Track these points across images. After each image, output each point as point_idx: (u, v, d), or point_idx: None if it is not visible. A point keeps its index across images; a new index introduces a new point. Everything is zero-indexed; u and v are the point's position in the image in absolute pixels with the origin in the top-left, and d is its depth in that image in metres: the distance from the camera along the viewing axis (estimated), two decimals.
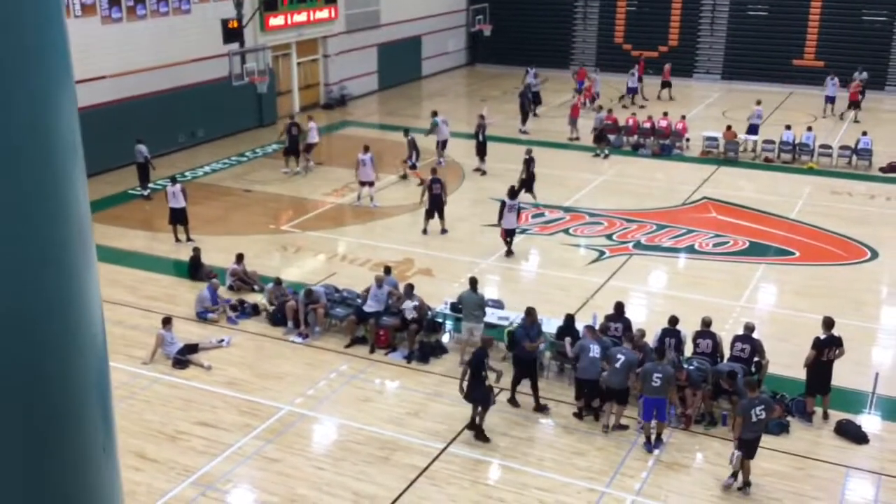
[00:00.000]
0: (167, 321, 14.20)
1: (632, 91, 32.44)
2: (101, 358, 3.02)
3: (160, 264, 18.11)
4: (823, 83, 29.90)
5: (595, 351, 12.26)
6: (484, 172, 24.13)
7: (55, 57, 2.67)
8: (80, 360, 2.82)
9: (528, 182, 21.44)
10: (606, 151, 26.20)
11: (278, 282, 15.81)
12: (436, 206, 19.40)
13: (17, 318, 2.54)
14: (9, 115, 2.48)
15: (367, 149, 21.66)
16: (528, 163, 21.55)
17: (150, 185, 22.33)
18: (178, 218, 19.24)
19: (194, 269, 17.22)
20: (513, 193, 18.62)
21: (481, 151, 24.48)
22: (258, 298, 16.08)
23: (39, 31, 2.57)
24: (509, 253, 18.59)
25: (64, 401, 2.77)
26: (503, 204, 18.38)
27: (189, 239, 19.16)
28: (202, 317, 15.45)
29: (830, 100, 29.93)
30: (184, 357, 13.96)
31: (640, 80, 32.87)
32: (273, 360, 14.29)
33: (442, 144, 25.00)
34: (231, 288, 16.62)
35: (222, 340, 14.58)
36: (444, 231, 19.49)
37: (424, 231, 19.53)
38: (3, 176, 2.49)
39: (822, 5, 35.93)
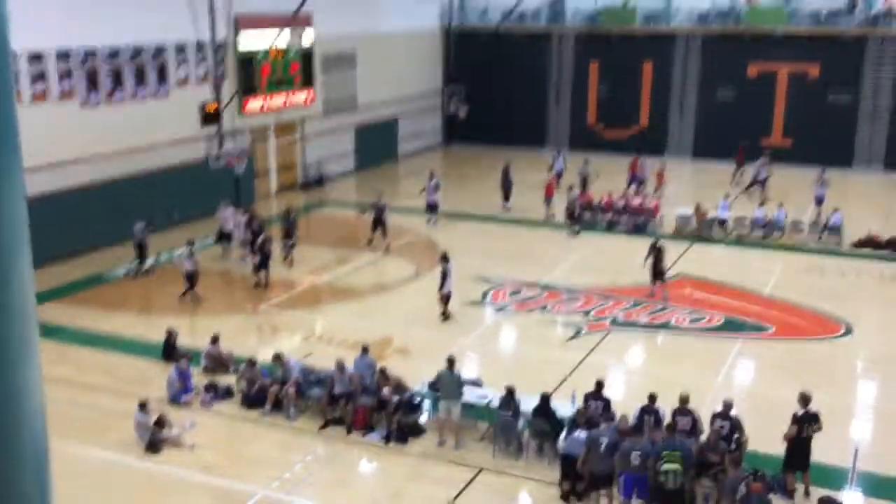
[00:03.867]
0: (143, 405, 13.96)
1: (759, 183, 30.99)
2: (41, 466, 2.87)
3: (135, 346, 17.89)
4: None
5: (582, 435, 12.17)
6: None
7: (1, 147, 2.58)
8: (19, 467, 2.65)
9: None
10: (577, 228, 26.53)
11: (251, 363, 15.66)
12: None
13: None
14: None
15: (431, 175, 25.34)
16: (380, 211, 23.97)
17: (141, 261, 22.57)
18: (193, 281, 20.37)
19: (169, 351, 17.02)
20: (445, 258, 19.31)
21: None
22: (232, 380, 15.88)
23: None
24: (446, 317, 19.10)
25: None
26: (444, 270, 19.03)
27: (195, 298, 20.44)
28: (175, 400, 15.21)
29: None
30: (158, 438, 13.69)
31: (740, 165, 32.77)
32: (247, 444, 14.04)
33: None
34: (206, 370, 16.42)
35: (186, 426, 14.24)
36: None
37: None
38: None
39: (787, 87, 37.00)
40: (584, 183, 30.50)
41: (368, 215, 25.05)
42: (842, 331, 19.04)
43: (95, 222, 23.90)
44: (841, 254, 24.71)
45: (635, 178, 31.19)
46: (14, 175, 2.52)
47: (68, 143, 23.28)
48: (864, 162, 36.07)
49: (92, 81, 24.06)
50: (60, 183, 23.12)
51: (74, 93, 23.60)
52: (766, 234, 26.07)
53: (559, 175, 31.73)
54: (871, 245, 25.09)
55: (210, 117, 25.39)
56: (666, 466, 11.35)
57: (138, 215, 23.25)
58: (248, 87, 29.46)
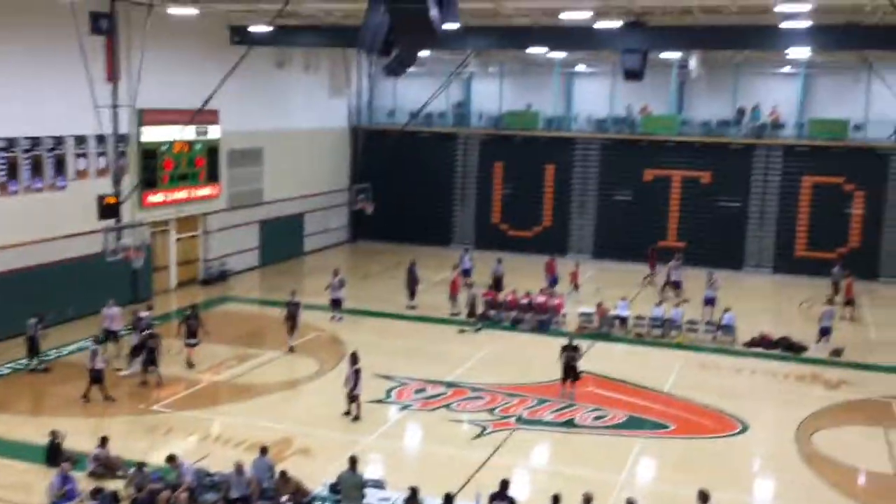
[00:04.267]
0: None
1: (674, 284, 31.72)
2: None
3: (18, 449, 16.81)
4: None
5: None
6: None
7: None
8: None
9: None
10: (479, 325, 26.63)
11: (140, 466, 14.89)
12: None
13: None
14: None
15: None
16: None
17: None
18: (98, 378, 19.59)
19: (53, 455, 16.04)
20: (355, 358, 19.12)
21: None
22: (120, 485, 15.02)
23: None
24: (355, 419, 18.76)
25: None
26: (354, 369, 18.87)
27: (106, 397, 19.66)
28: None
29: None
30: None
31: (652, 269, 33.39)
32: None
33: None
34: (93, 474, 15.51)
35: None
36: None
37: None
38: None
39: (680, 192, 38.65)
40: (498, 283, 30.76)
41: (281, 312, 24.41)
42: (738, 428, 19.43)
43: None
44: (735, 352, 25.45)
45: (552, 278, 31.58)
46: None
47: None
48: (753, 264, 37.67)
49: None
50: None
51: None
52: (664, 333, 26.71)
53: (466, 272, 32.00)
54: (763, 344, 25.96)
55: (109, 210, 24.79)
56: None
57: (32, 309, 22.28)
58: (150, 180, 28.98)
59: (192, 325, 22.41)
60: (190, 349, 22.27)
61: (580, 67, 41.48)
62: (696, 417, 20.11)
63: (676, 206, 38.76)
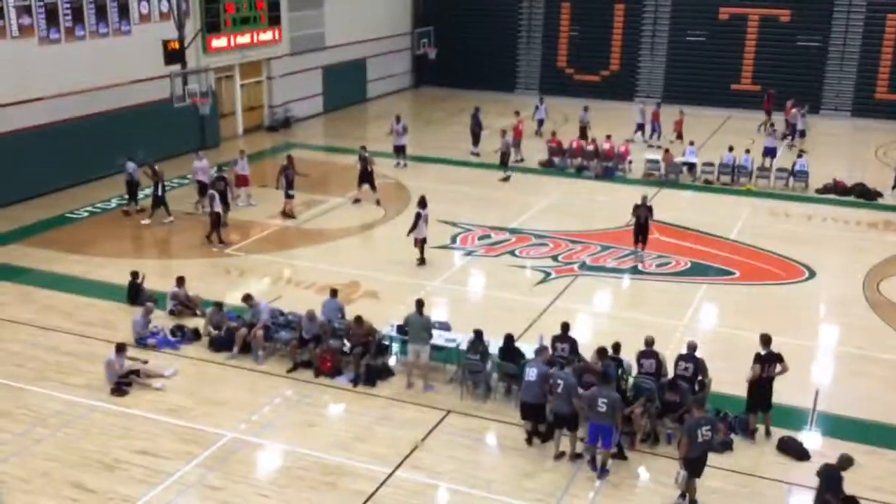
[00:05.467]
0: (121, 348, 13.83)
1: (799, 133, 31.21)
2: None
3: (99, 289, 17.67)
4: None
5: (531, 374, 12.25)
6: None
7: None
8: None
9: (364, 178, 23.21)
10: (508, 173, 26.29)
11: (219, 306, 15.55)
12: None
13: None
14: None
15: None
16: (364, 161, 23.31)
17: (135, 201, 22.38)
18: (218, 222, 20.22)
19: (134, 294, 16.84)
20: (423, 203, 19.08)
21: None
22: (199, 323, 15.76)
23: None
24: (422, 262, 18.97)
25: None
26: (417, 214, 18.90)
27: (221, 241, 20.19)
28: (141, 343, 15.10)
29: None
30: (126, 381, 13.62)
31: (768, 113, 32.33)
32: (215, 386, 14.00)
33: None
34: (172, 313, 16.28)
35: (166, 373, 14.16)
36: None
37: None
38: None
39: (757, 32, 36.90)
40: (584, 131, 30.06)
41: (355, 167, 24.09)
42: (805, 275, 19.28)
43: (58, 162, 23.41)
44: (807, 199, 24.93)
45: (655, 128, 30.77)
46: None
47: (28, 81, 22.66)
48: (831, 108, 36.24)
49: (51, 17, 23.33)
50: (21, 123, 22.58)
51: (34, 29, 22.89)
52: (734, 179, 26.20)
53: (541, 123, 31.30)
54: (836, 191, 25.34)
55: (173, 55, 24.80)
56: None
57: (102, 155, 22.83)
58: (212, 25, 28.76)
59: (289, 176, 22.34)
60: (290, 201, 22.34)
61: None
62: (762, 264, 19.98)
63: (752, 47, 37.10)
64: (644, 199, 20.12)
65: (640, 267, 19.50)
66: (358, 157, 24.03)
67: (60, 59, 23.58)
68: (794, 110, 31.91)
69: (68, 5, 23.78)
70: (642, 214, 19.85)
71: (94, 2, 24.57)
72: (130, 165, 22.10)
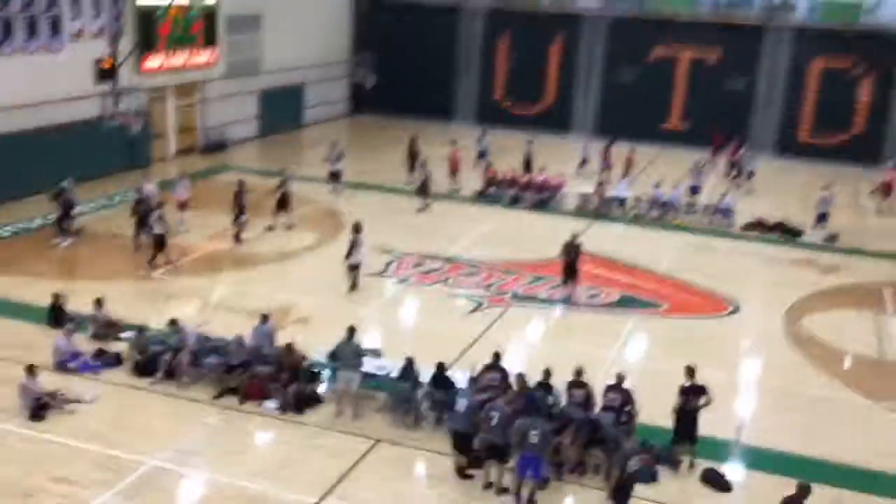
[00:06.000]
0: (31, 369, 13.35)
1: (748, 173, 31.46)
2: None
3: (20, 310, 17.09)
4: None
5: (461, 404, 12.24)
6: None
7: None
8: None
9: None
10: (427, 202, 26.23)
11: (141, 330, 15.20)
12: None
13: None
14: None
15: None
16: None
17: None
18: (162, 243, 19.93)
19: (55, 316, 16.34)
20: (357, 229, 19.18)
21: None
22: (122, 347, 15.36)
23: None
24: (354, 287, 19.00)
25: None
26: (352, 240, 18.98)
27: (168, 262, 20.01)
28: (62, 367, 14.64)
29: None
30: (43, 404, 13.15)
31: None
32: (137, 412, 13.63)
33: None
34: (95, 336, 15.84)
35: (84, 398, 13.71)
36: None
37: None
38: None
39: (687, 72, 38.00)
40: (528, 163, 30.14)
41: (275, 192, 23.54)
42: (729, 309, 19.76)
43: None
44: (732, 235, 25.61)
45: (606, 163, 30.83)
46: None
47: None
48: (756, 146, 37.40)
49: None
50: None
51: None
52: (662, 215, 26.79)
53: (483, 154, 31.12)
54: (760, 228, 26.10)
55: (106, 73, 24.36)
56: None
57: (30, 173, 22.22)
58: (146, 44, 28.37)
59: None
60: (241, 225, 22.03)
61: None
62: (688, 297, 20.42)
63: (682, 87, 38.17)
64: (573, 237, 20.05)
65: (568, 291, 19.61)
66: (278, 181, 23.64)
67: None
68: (740, 151, 32.74)
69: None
70: (571, 254, 19.65)
71: (27, 17, 24.00)
72: (67, 183, 21.50)
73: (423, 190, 26.35)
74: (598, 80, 39.41)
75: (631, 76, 38.67)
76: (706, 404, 12.75)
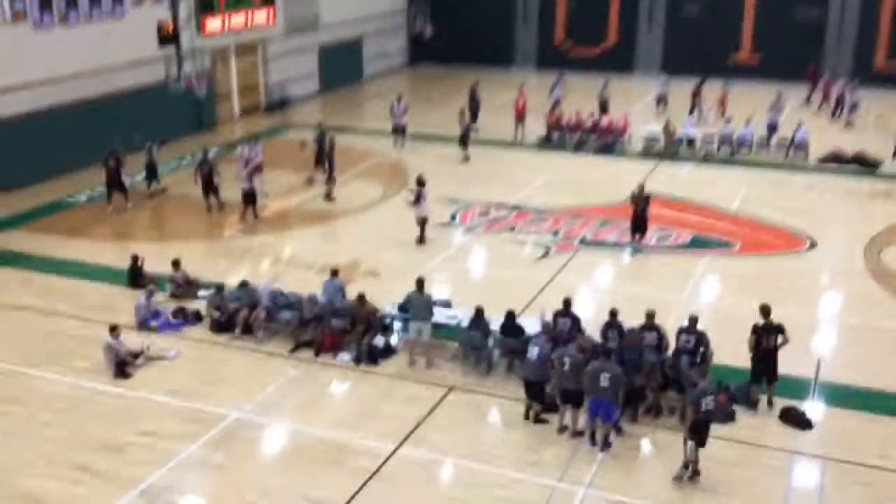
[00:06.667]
0: (114, 329, 13.82)
1: (851, 106, 30.13)
2: None
3: (100, 273, 17.67)
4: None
5: (533, 353, 12.26)
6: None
7: None
8: None
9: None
10: (467, 154, 25.69)
11: (219, 288, 15.55)
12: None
13: None
14: None
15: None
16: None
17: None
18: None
19: (134, 277, 16.84)
20: (421, 181, 19.03)
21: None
22: (200, 305, 15.77)
23: None
24: (422, 241, 18.96)
25: None
26: (417, 192, 18.83)
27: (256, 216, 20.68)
28: (144, 325, 15.12)
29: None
30: (128, 363, 13.64)
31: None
32: (217, 367, 14.03)
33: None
34: (173, 295, 16.29)
35: (167, 355, 14.18)
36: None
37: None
38: None
39: (755, 3, 36.68)
40: (604, 106, 29.70)
41: (310, 148, 23.66)
42: (806, 245, 19.27)
43: (54, 148, 23.31)
44: (807, 169, 24.87)
45: (697, 105, 30.09)
46: None
47: (19, 67, 22.52)
48: (831, 76, 36.09)
49: (45, 2, 23.17)
50: (15, 108, 22.48)
51: (26, 14, 22.74)
52: (734, 152, 26.11)
53: (557, 102, 30.53)
54: (836, 160, 25.27)
55: (168, 38, 24.64)
56: None
57: (99, 140, 22.76)
58: (206, 6, 28.57)
59: (332, 159, 22.50)
60: (333, 181, 22.28)
61: None
62: (762, 235, 19.96)
63: (751, 17, 36.90)
64: (641, 188, 19.39)
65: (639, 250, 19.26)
66: (315, 137, 23.65)
67: (54, 44, 23.44)
68: (840, 84, 31.43)
69: None
70: (640, 205, 19.07)
71: None
72: (149, 145, 22.50)
73: (463, 140, 25.93)
74: (662, 16, 38.33)
75: (697, 10, 37.52)
76: (784, 343, 12.53)
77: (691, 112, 29.67)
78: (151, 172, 22.60)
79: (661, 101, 31.32)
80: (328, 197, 22.12)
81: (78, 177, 23.64)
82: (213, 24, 29.11)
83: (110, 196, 21.54)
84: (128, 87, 25.61)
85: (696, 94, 30.35)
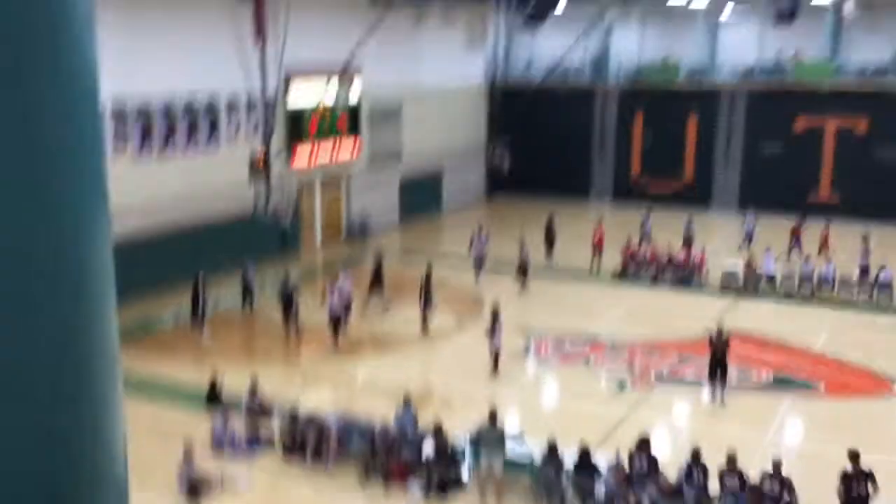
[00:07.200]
0: (188, 451, 14.01)
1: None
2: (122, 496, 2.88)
3: (180, 393, 18.03)
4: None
5: (599, 492, 11.94)
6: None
7: (93, 183, 2.59)
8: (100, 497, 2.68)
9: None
10: (525, 284, 25.78)
11: (292, 413, 15.68)
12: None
13: (47, 455, 2.41)
14: (46, 246, 2.43)
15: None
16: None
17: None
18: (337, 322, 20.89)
19: (212, 399, 17.13)
20: (496, 313, 19.09)
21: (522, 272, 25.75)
22: (274, 427, 15.89)
23: (75, 155, 2.52)
24: (496, 371, 18.89)
25: None
26: (493, 322, 18.88)
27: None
28: (218, 448, 15.27)
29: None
30: (198, 487, 13.73)
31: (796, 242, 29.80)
32: (285, 497, 14.00)
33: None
34: (248, 419, 16.46)
35: (238, 485, 14.25)
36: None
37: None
38: (42, 305, 2.40)
39: (834, 143, 36.68)
40: (688, 241, 29.22)
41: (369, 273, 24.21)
42: (894, 388, 18.52)
43: (145, 270, 24.26)
44: (892, 310, 24.14)
45: (797, 242, 29.64)
46: (103, 219, 2.60)
47: (119, 195, 23.79)
48: None
49: (146, 134, 24.76)
50: (115, 232, 23.59)
51: (127, 148, 24.26)
52: (815, 290, 25.60)
53: (647, 235, 30.29)
54: None
55: (258, 171, 25.86)
56: None
57: (190, 264, 23.70)
58: (295, 141, 30.04)
59: (429, 290, 22.37)
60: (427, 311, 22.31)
61: (726, 13, 39.76)
62: (848, 376, 19.30)
63: (830, 158, 36.83)
64: (720, 330, 17.93)
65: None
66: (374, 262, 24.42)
67: (152, 175, 24.84)
68: None
69: (164, 124, 25.21)
70: (719, 348, 17.54)
71: (187, 122, 26.01)
72: (247, 267, 23.58)
73: (522, 270, 26.05)
74: (740, 153, 38.58)
75: (774, 148, 37.69)
76: (874, 492, 11.93)
77: (790, 251, 29.08)
78: (247, 293, 23.36)
79: (749, 237, 31.06)
80: (424, 327, 22.19)
81: (167, 299, 24.48)
82: (301, 157, 30.45)
83: (195, 318, 22.10)
84: (219, 216, 26.77)
85: (795, 232, 29.77)
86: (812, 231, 30.11)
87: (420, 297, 22.44)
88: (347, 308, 21.53)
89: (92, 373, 2.57)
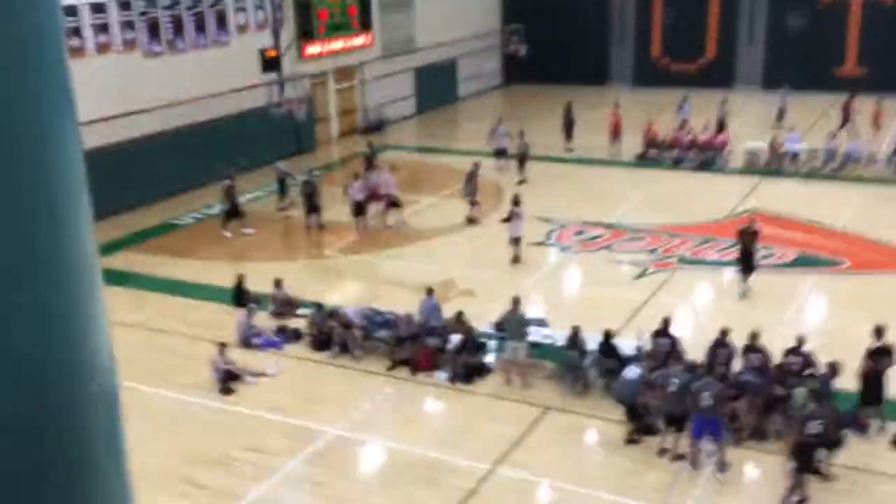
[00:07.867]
0: (220, 347, 14.29)
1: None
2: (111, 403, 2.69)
3: (206, 292, 18.27)
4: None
5: (631, 374, 12.06)
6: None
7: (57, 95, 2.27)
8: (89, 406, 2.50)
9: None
10: (523, 178, 25.18)
11: (319, 307, 15.87)
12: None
13: (23, 368, 2.25)
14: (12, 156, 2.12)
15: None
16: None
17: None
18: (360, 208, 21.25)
19: (239, 296, 17.34)
20: (517, 201, 19.01)
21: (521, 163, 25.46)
22: (300, 324, 16.13)
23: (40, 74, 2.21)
24: (517, 260, 18.83)
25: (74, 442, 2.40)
26: (512, 212, 18.81)
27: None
28: (246, 343, 15.56)
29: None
30: (232, 379, 14.06)
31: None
32: (317, 384, 14.31)
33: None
34: (275, 314, 16.71)
35: (269, 372, 14.56)
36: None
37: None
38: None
39: (861, 14, 35.44)
40: (722, 124, 28.45)
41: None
42: None
43: (161, 171, 24.26)
44: None
45: (849, 119, 28.70)
46: (70, 126, 2.37)
47: (130, 94, 23.58)
48: None
49: (153, 31, 24.30)
50: (126, 133, 23.52)
51: (136, 43, 23.86)
52: (841, 167, 25.21)
53: (685, 121, 29.16)
54: None
55: (270, 64, 25.45)
56: None
57: (206, 161, 23.63)
58: (306, 33, 29.42)
59: (475, 182, 22.02)
60: (476, 206, 22.04)
61: None
62: (872, 253, 19.18)
63: (856, 30, 35.64)
64: (751, 222, 17.84)
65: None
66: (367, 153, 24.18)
67: (163, 71, 24.50)
68: None
69: (169, 19, 24.69)
70: (748, 241, 17.12)
71: (194, 14, 25.46)
72: (280, 163, 23.87)
73: (520, 161, 25.56)
74: (763, 30, 37.42)
75: (799, 22, 36.49)
76: (889, 366, 11.99)
77: (842, 126, 28.09)
78: (282, 187, 23.45)
79: (782, 114, 30.34)
80: (471, 221, 21.97)
81: (184, 199, 24.55)
82: (313, 49, 29.89)
83: (228, 218, 21.83)
84: (231, 112, 26.49)
85: (846, 108, 28.83)
86: (861, 107, 29.07)
87: (466, 193, 22.16)
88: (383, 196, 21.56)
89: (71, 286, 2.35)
